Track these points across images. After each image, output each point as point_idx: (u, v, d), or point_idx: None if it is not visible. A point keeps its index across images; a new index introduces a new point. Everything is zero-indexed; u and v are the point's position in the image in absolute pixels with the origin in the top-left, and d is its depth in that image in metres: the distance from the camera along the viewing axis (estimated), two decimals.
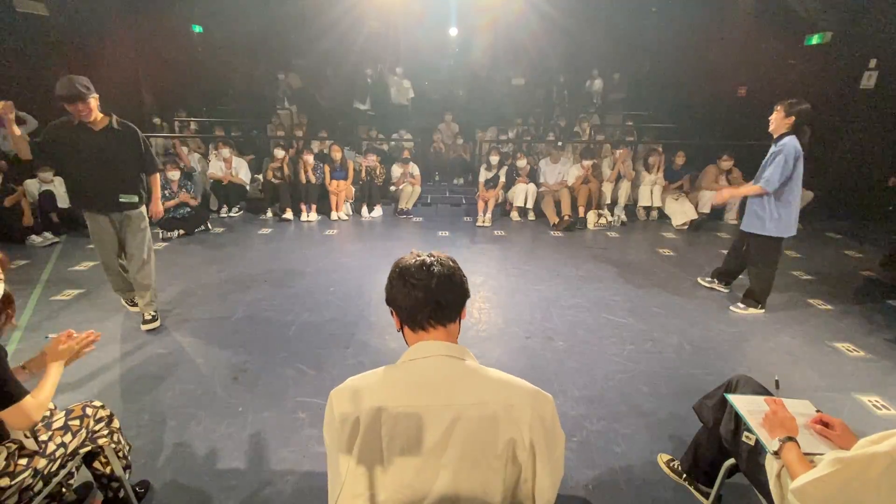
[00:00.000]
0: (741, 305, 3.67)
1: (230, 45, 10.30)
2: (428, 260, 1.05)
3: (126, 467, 1.74)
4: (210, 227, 5.66)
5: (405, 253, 1.08)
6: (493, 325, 3.32)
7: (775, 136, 3.31)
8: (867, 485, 1.00)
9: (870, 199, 6.62)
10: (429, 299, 1.01)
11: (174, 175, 5.42)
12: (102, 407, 1.66)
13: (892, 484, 0.97)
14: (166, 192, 5.40)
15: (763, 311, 3.63)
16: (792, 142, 3.20)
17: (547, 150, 7.10)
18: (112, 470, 1.69)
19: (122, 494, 1.74)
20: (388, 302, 1.09)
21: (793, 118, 3.20)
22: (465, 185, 7.78)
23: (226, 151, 6.34)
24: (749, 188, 3.41)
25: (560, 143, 6.94)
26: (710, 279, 4.09)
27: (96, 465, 1.69)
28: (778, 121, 3.26)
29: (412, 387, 0.96)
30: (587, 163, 6.29)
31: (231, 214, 6.34)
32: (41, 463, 1.41)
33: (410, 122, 9.16)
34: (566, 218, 5.87)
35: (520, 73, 10.70)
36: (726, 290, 3.99)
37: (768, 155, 3.33)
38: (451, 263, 1.07)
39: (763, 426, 1.44)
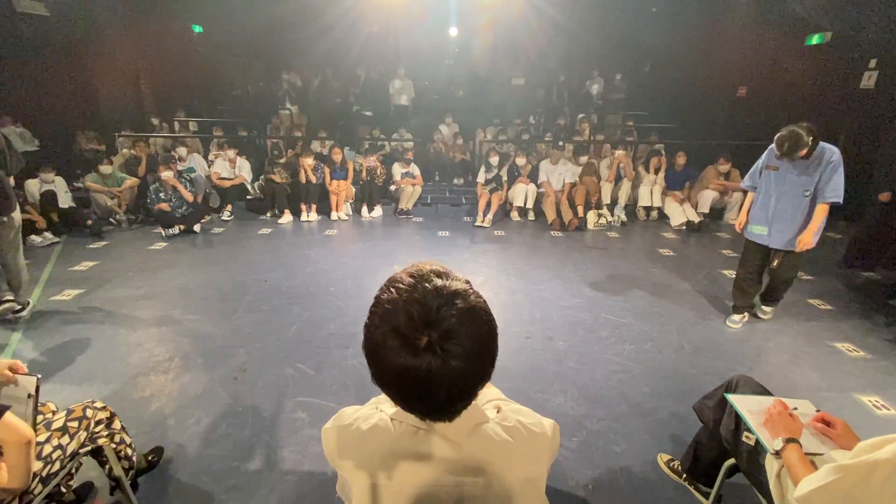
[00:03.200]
0: (767, 309, 3.50)
1: (230, 45, 10.32)
2: (437, 336, 0.64)
3: (129, 468, 1.74)
4: (199, 229, 5.58)
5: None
6: None
7: (806, 153, 2.91)
8: (870, 492, 1.00)
9: (868, 200, 6.60)
10: (439, 400, 0.69)
11: (168, 174, 5.40)
12: (104, 408, 1.66)
13: (894, 491, 0.97)
14: (161, 194, 5.40)
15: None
16: (830, 147, 2.94)
17: (547, 150, 7.10)
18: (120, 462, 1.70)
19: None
20: (373, 377, 0.71)
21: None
22: (465, 185, 7.78)
23: (231, 153, 6.36)
24: (821, 215, 3.01)
25: (561, 143, 6.94)
26: (739, 316, 3.49)
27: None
28: (811, 147, 2.91)
29: (409, 461, 0.77)
30: (583, 158, 6.47)
31: (224, 218, 6.24)
32: (37, 466, 1.41)
33: (410, 122, 9.17)
34: (574, 221, 5.87)
35: (520, 73, 10.71)
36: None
37: (820, 166, 2.93)
38: (481, 319, 0.68)
39: (764, 426, 1.43)
